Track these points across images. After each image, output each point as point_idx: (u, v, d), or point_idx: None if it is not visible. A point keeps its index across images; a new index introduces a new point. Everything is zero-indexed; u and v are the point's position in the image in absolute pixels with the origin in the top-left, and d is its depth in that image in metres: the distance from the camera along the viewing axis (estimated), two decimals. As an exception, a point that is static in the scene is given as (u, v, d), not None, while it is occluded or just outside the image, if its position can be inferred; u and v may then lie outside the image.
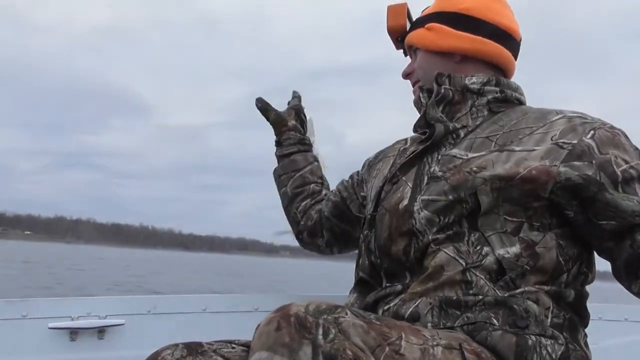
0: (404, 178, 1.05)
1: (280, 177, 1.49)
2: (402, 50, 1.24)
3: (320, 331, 0.68)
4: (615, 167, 0.90)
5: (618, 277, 0.95)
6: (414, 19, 1.21)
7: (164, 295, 1.51)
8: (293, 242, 1.52)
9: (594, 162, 0.91)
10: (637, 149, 0.96)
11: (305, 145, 1.50)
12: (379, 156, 1.28)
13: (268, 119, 1.52)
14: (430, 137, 1.05)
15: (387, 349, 0.72)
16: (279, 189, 1.50)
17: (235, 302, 1.55)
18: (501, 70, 1.11)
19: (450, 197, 0.95)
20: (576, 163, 0.91)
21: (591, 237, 0.95)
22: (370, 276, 1.04)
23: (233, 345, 1.03)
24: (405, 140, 1.24)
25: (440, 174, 0.98)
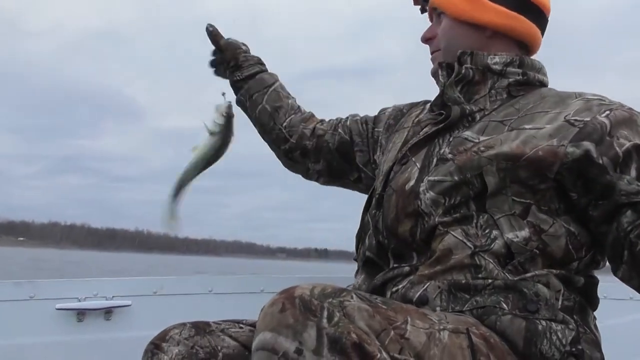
0: (413, 159, 1.03)
1: (252, 96, 1.40)
2: (419, 8, 1.19)
3: (325, 314, 0.68)
4: (618, 148, 0.88)
5: (608, 261, 0.94)
6: None
7: (170, 277, 1.51)
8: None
9: (601, 144, 0.89)
10: None
11: (264, 65, 1.44)
12: (398, 121, 1.24)
13: (218, 45, 1.41)
14: (445, 120, 1.03)
15: (392, 333, 0.71)
16: (252, 110, 1.41)
17: (241, 283, 1.55)
18: (526, 47, 1.08)
19: (456, 177, 0.93)
20: (584, 143, 0.89)
21: (589, 221, 0.93)
22: (377, 256, 1.03)
23: (241, 325, 1.03)
24: (424, 106, 1.20)
25: (449, 156, 0.97)
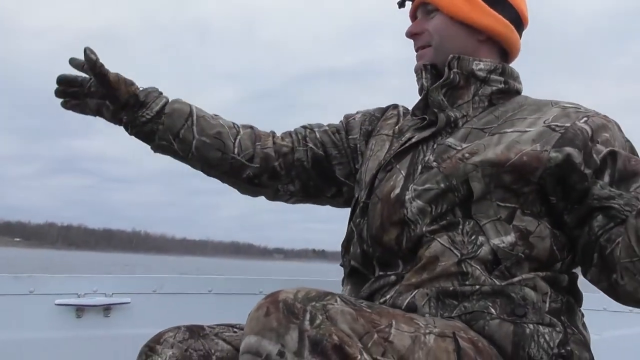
0: (397, 166, 1.03)
1: (177, 135, 1.14)
2: (396, 1, 1.12)
3: (308, 317, 0.69)
4: (595, 155, 0.91)
5: (579, 263, 0.96)
6: None
7: (170, 276, 1.52)
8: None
9: (584, 150, 0.91)
10: (628, 140, 0.96)
11: (162, 92, 1.19)
12: (374, 127, 1.21)
13: (104, 77, 1.09)
14: (429, 126, 1.04)
15: (376, 336, 0.72)
16: (185, 150, 1.16)
17: (240, 284, 1.56)
18: (506, 58, 1.09)
19: (442, 185, 0.94)
20: (566, 148, 0.91)
21: (564, 225, 0.95)
22: (362, 265, 1.03)
23: (235, 329, 1.03)
24: (397, 111, 1.20)
25: (434, 164, 0.97)
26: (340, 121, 1.25)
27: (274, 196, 1.25)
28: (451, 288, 0.90)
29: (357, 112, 1.25)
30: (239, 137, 1.19)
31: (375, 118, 1.22)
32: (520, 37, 1.09)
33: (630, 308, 1.67)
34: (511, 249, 0.90)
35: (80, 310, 1.38)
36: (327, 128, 1.23)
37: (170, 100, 1.16)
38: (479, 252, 0.90)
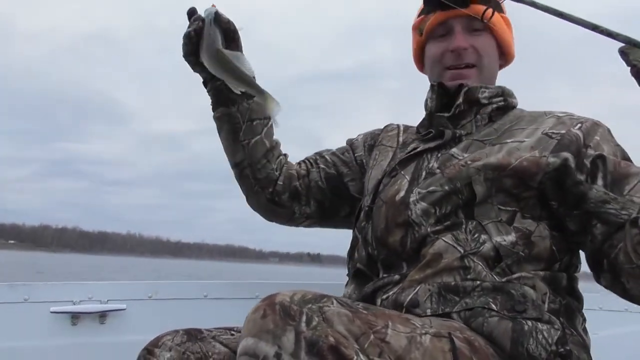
0: (402, 172, 1.07)
1: (252, 121, 1.20)
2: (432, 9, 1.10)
3: (304, 319, 0.70)
4: (586, 160, 0.95)
5: (590, 270, 0.99)
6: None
7: (165, 281, 1.51)
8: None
9: (578, 155, 0.95)
10: (617, 145, 1.00)
11: None
12: (374, 139, 1.28)
13: (233, 27, 1.12)
14: (435, 138, 1.08)
15: (372, 336, 0.73)
16: (247, 135, 1.20)
17: (236, 289, 1.55)
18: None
19: (446, 187, 0.97)
20: (563, 153, 0.95)
21: (566, 231, 0.98)
22: (367, 267, 1.05)
23: (232, 332, 1.05)
24: (397, 127, 1.26)
25: (438, 170, 1.01)
26: (346, 144, 1.32)
27: (288, 219, 1.30)
28: (453, 283, 0.92)
29: (359, 135, 1.32)
30: (281, 157, 1.27)
31: (376, 134, 1.28)
32: None
33: (626, 307, 1.69)
34: (512, 247, 0.93)
35: (75, 317, 1.38)
36: (335, 150, 1.31)
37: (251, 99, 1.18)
38: (481, 248, 0.93)
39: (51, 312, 1.36)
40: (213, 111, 1.22)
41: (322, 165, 1.28)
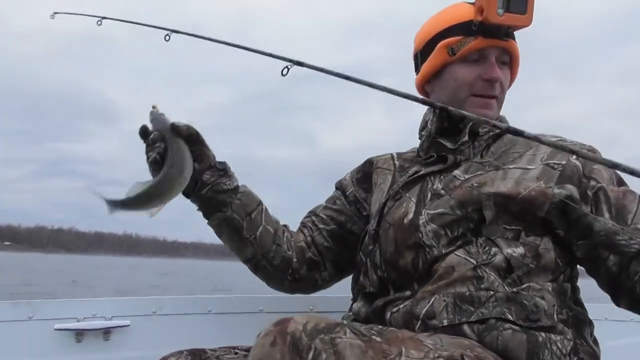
0: (407, 194, 1.09)
1: (250, 215, 1.17)
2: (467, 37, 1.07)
3: (310, 355, 0.71)
4: (589, 192, 0.99)
5: (610, 296, 1.01)
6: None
7: (169, 297, 1.51)
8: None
9: (580, 187, 0.99)
10: (609, 170, 1.02)
11: None
12: (363, 170, 1.28)
13: (196, 134, 1.10)
14: (437, 162, 1.11)
15: None
16: (250, 231, 1.17)
17: (240, 303, 1.55)
18: None
19: (458, 212, 0.99)
20: (568, 185, 0.98)
21: (575, 257, 1.01)
22: (378, 290, 1.07)
23: (236, 351, 1.05)
24: (390, 154, 1.27)
25: (443, 191, 1.03)
26: (334, 190, 1.31)
27: (313, 287, 1.29)
28: (467, 293, 0.94)
29: (346, 174, 1.32)
30: (286, 233, 1.24)
31: (363, 167, 1.28)
32: None
33: (631, 317, 1.69)
34: (522, 259, 0.95)
35: (79, 334, 1.38)
36: (324, 204, 1.29)
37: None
38: (493, 259, 0.95)
39: (55, 330, 1.36)
40: (207, 219, 1.18)
41: (321, 226, 1.27)
